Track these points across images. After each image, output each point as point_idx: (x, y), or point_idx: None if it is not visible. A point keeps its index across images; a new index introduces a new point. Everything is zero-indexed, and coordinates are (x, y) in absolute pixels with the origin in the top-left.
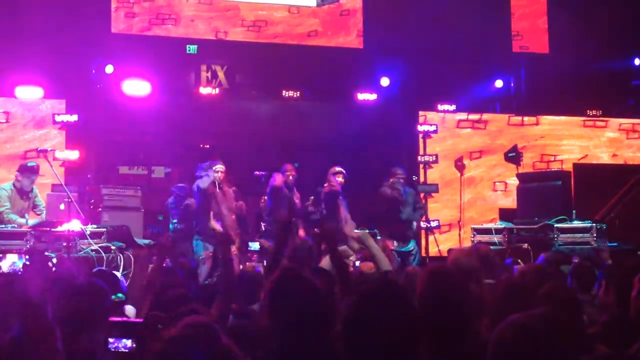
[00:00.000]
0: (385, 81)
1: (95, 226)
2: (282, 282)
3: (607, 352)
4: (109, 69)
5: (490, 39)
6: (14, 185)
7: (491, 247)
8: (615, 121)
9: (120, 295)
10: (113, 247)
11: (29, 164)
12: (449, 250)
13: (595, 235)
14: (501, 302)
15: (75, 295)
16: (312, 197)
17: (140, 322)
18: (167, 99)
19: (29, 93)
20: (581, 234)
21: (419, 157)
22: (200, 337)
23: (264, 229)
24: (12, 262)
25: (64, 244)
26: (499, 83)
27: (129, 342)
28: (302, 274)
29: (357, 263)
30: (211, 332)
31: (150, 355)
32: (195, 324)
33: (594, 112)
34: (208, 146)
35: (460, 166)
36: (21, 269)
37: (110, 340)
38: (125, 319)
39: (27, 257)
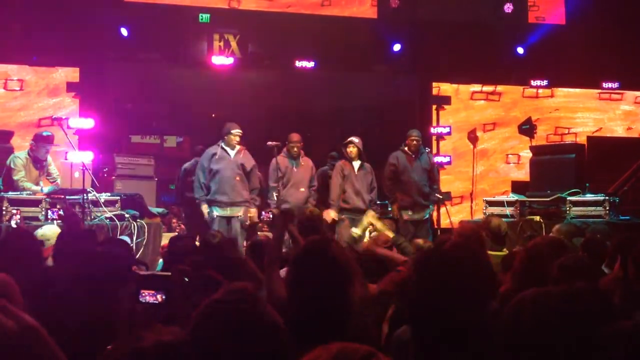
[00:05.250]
0: (397, 46)
1: (109, 194)
2: (307, 254)
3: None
4: (124, 31)
5: (506, 10)
6: (28, 153)
7: (503, 220)
8: (630, 94)
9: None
10: (127, 215)
11: (44, 134)
12: (460, 222)
13: (607, 208)
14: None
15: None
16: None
17: (169, 276)
18: (179, 68)
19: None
20: (594, 207)
21: (432, 128)
22: (244, 302)
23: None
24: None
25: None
26: (520, 50)
27: (158, 295)
28: (327, 248)
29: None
30: (255, 299)
31: (194, 316)
32: (240, 290)
33: (610, 85)
34: (214, 115)
35: (473, 138)
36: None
37: (142, 292)
38: (154, 272)
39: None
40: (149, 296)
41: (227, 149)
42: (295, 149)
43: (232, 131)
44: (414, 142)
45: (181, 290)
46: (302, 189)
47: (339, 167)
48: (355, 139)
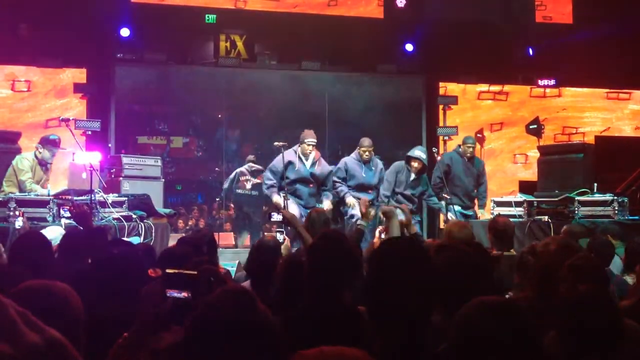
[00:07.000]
0: (409, 46)
1: (116, 195)
2: (322, 243)
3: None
4: (125, 32)
5: (513, 9)
6: (35, 155)
7: (511, 220)
8: (639, 93)
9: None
10: (134, 216)
11: (51, 137)
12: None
13: (616, 208)
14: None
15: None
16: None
17: (195, 275)
18: (185, 69)
19: None
20: (602, 207)
21: (439, 128)
22: (237, 303)
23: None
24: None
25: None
26: (530, 50)
27: (184, 293)
28: (341, 238)
29: (383, 235)
30: (248, 299)
31: (187, 320)
32: (233, 291)
33: (618, 84)
34: (220, 115)
35: (480, 138)
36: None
37: (167, 291)
38: (180, 271)
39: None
40: (175, 293)
41: (303, 158)
42: (367, 154)
43: (306, 140)
44: (470, 149)
45: (207, 289)
46: (370, 191)
47: (397, 167)
48: (423, 155)
